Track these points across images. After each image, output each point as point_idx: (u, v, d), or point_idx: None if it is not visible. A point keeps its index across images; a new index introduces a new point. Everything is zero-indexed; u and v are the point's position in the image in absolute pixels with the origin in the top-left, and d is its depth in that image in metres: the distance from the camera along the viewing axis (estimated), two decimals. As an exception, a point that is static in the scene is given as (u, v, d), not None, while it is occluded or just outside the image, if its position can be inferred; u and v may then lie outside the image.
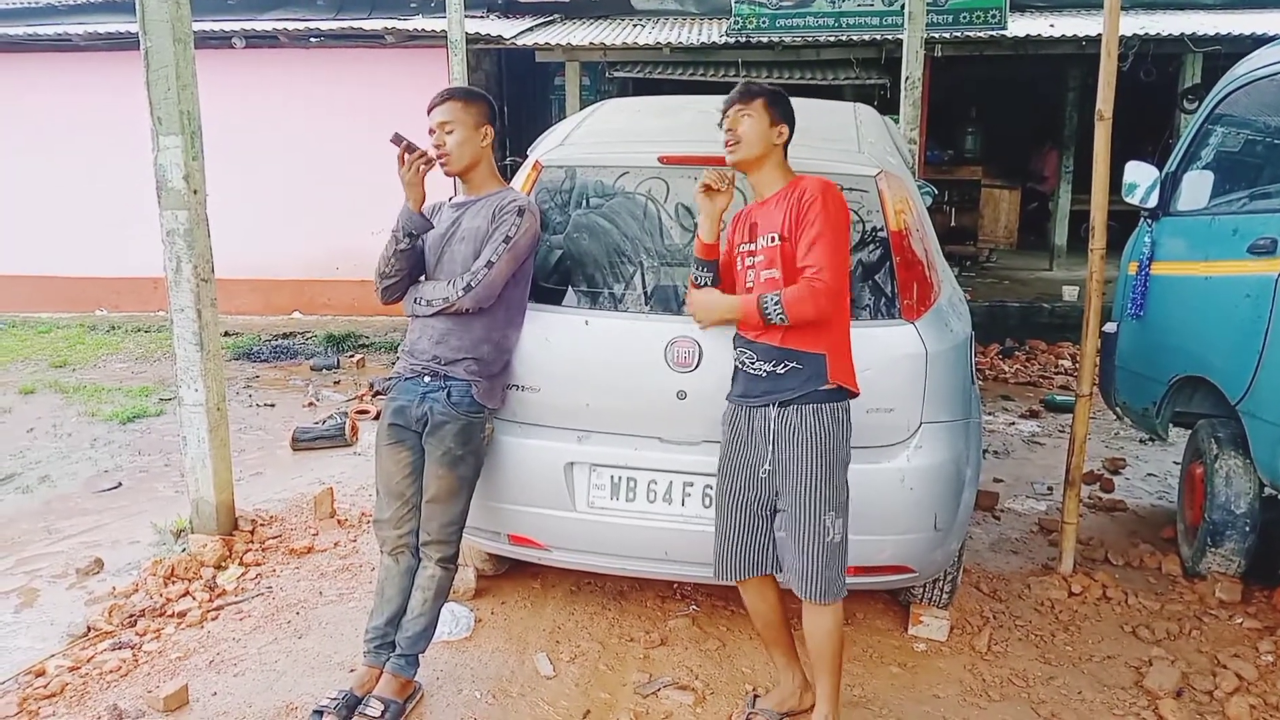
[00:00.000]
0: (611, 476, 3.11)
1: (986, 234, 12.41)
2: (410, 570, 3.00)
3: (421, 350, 2.97)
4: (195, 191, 3.94)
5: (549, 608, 3.62)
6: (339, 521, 4.49)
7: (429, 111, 2.97)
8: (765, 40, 10.39)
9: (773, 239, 2.65)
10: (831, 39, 10.26)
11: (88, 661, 3.26)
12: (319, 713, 2.84)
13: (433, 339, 2.95)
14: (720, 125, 2.75)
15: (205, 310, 4.01)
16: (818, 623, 2.71)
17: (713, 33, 10.71)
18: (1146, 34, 9.64)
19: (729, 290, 2.83)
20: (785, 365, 2.65)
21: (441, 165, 2.97)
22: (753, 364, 2.70)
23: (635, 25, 11.52)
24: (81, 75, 10.02)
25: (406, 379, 3.00)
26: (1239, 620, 3.56)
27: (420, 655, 2.98)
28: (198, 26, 4.46)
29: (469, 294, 2.86)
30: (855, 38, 10.20)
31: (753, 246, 2.72)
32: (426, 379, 2.95)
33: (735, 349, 2.78)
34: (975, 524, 4.41)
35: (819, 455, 2.63)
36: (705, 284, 2.82)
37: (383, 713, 2.83)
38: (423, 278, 3.05)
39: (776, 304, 2.57)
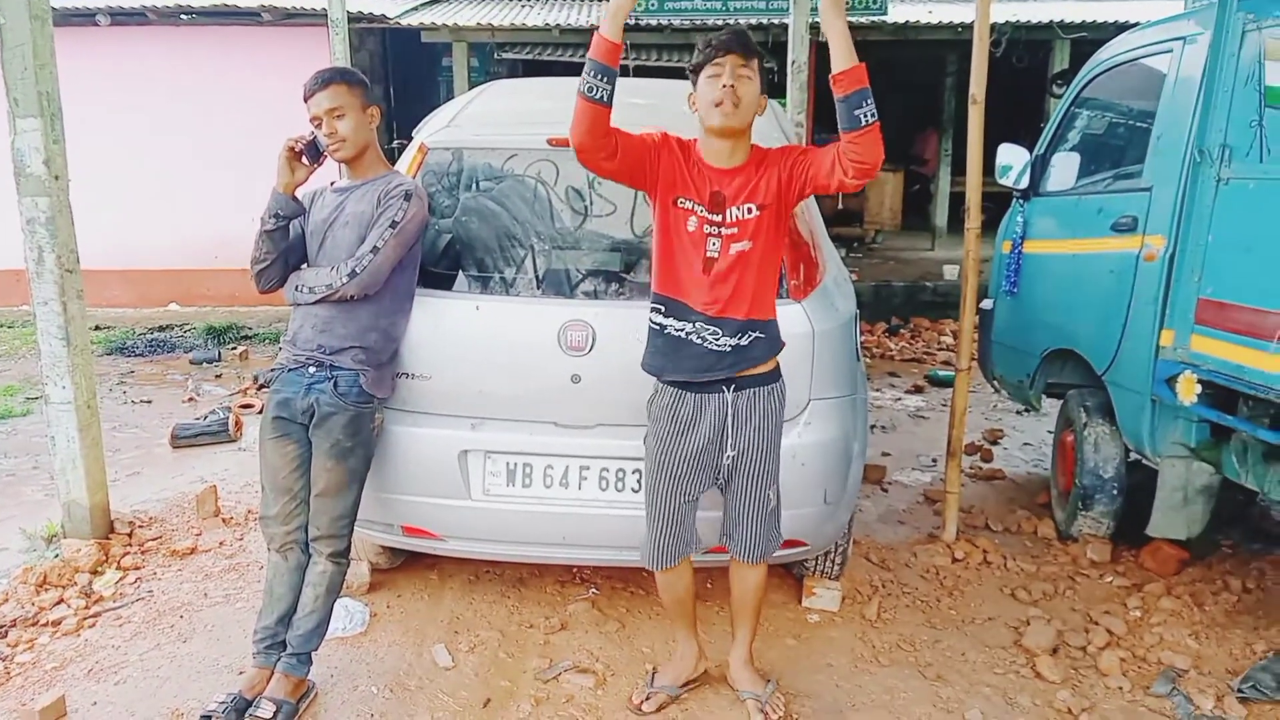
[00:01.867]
0: (507, 463, 3.08)
1: (872, 216, 12.78)
2: (300, 567, 2.90)
3: (305, 339, 2.87)
4: (57, 177, 3.73)
5: (447, 598, 3.58)
6: (224, 520, 4.32)
7: (307, 98, 2.85)
8: (654, 23, 10.43)
9: (750, 210, 2.58)
10: (719, 22, 10.34)
11: (-48, 678, 3.07)
12: (207, 717, 2.74)
13: (316, 327, 2.86)
14: (723, 82, 2.49)
15: (71, 303, 3.80)
16: (749, 579, 2.85)
17: (602, 15, 10.67)
18: (1018, 21, 10.06)
19: (664, 246, 2.61)
20: (749, 336, 2.61)
21: (333, 153, 2.88)
22: (716, 340, 2.58)
23: (524, 6, 11.40)
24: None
25: (290, 370, 2.89)
26: (1109, 579, 3.77)
27: (313, 653, 2.90)
28: (58, 3, 4.22)
29: (354, 280, 2.78)
30: (742, 21, 10.32)
31: (718, 217, 2.56)
32: (311, 369, 2.86)
33: (684, 323, 2.60)
34: (864, 496, 4.55)
35: (771, 436, 2.70)
36: (604, 98, 2.44)
37: (275, 713, 2.74)
38: (305, 265, 2.95)
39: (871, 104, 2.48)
